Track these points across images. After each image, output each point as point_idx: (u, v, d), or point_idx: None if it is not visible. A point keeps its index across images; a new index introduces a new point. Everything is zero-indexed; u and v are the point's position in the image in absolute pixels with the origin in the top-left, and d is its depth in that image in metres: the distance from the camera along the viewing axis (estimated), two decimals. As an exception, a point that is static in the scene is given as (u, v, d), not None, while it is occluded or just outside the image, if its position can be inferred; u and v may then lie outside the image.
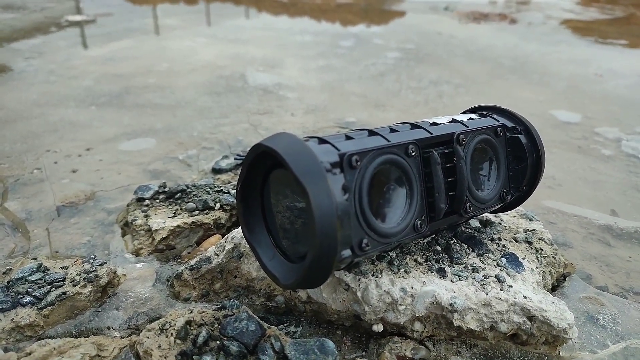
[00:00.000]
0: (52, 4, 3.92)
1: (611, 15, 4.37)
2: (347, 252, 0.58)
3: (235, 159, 1.25)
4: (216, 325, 0.65)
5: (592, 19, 4.17)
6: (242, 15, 3.96)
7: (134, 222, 0.94)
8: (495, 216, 0.92)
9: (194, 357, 0.60)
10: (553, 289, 0.85)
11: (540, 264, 0.82)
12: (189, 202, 0.98)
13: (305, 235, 0.62)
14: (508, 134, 0.81)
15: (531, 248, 0.85)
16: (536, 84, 2.23)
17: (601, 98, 2.03)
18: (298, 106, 1.81)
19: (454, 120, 0.77)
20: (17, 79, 2.07)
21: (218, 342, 0.62)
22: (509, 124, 0.82)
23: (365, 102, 1.89)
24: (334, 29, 3.46)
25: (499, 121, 0.81)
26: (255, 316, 0.67)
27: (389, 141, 0.64)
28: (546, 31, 3.58)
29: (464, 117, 0.80)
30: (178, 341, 0.62)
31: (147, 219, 0.94)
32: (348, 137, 0.64)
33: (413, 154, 0.66)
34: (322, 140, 0.61)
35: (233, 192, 1.02)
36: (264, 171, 0.65)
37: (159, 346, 0.62)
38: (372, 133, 0.66)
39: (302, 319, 0.74)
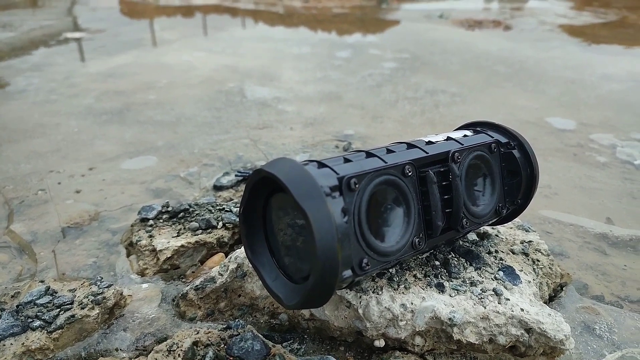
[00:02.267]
0: (51, 22, 3.96)
1: (604, 19, 4.42)
2: (348, 273, 0.60)
3: (236, 175, 1.28)
4: (222, 346, 0.67)
5: (586, 23, 4.21)
6: (239, 26, 4.00)
7: (138, 243, 0.96)
8: (492, 228, 0.94)
9: (201, 377, 0.62)
10: (550, 300, 0.87)
11: (537, 276, 0.84)
12: (192, 221, 1.00)
13: (307, 257, 0.64)
14: (502, 150, 0.83)
15: (528, 260, 0.87)
16: (531, 91, 2.25)
17: (596, 104, 2.06)
18: (297, 120, 1.83)
19: (448, 138, 0.79)
20: (18, 99, 2.09)
21: (224, 362, 0.64)
22: (503, 140, 0.84)
23: (363, 113, 1.92)
24: (331, 39, 3.49)
25: (492, 137, 0.83)
26: (260, 335, 0.69)
27: (385, 162, 0.67)
28: (540, 37, 3.62)
29: (458, 135, 0.82)
30: (185, 362, 0.64)
31: (151, 239, 0.96)
32: (346, 160, 0.66)
33: (409, 173, 0.68)
34: (321, 164, 0.63)
35: (235, 210, 1.04)
36: (265, 194, 0.67)
37: (167, 367, 0.64)
38: (369, 155, 0.68)
39: (305, 336, 0.75)
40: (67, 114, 1.89)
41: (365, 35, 3.65)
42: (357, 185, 0.61)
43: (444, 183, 0.73)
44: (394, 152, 0.71)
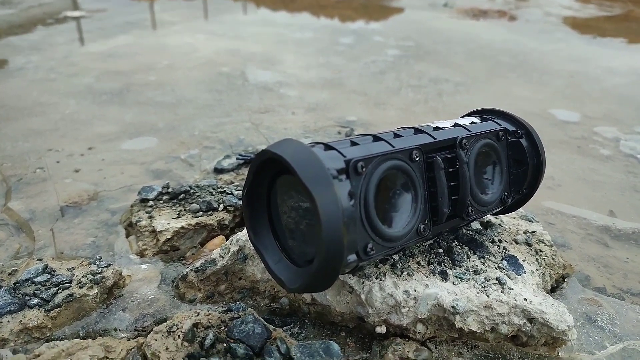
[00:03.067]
0: (50, 0, 3.90)
1: (610, 12, 4.38)
2: (352, 257, 0.59)
3: (237, 158, 1.26)
4: (223, 328, 0.66)
5: (591, 16, 4.17)
6: (241, 10, 3.95)
7: (138, 223, 0.95)
8: (496, 218, 0.93)
9: (201, 359, 0.61)
10: (552, 290, 0.87)
11: (540, 266, 0.83)
12: (192, 203, 0.99)
13: (312, 240, 0.63)
14: (509, 138, 0.82)
15: (531, 250, 0.86)
16: (535, 82, 2.24)
17: (600, 97, 2.04)
18: (299, 104, 1.81)
19: (456, 125, 0.78)
20: (16, 76, 2.06)
21: (225, 345, 0.63)
22: (511, 128, 0.83)
23: (365, 100, 1.90)
24: (333, 25, 3.45)
25: (500, 125, 0.82)
26: (261, 319, 0.68)
27: (393, 147, 0.65)
28: (545, 28, 3.58)
29: (466, 121, 0.81)
30: (185, 343, 0.63)
31: (151, 220, 0.95)
32: (353, 143, 0.64)
33: (417, 159, 0.67)
34: (327, 147, 0.62)
35: (236, 193, 1.03)
36: (270, 176, 0.66)
37: (167, 348, 0.63)
38: (376, 138, 0.67)
39: (306, 321, 0.75)
40: (67, 93, 1.86)
41: (368, 22, 3.61)
42: (364, 169, 0.60)
43: (451, 169, 0.71)
44: (401, 136, 0.70)
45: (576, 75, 2.35)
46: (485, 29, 3.52)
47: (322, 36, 3.05)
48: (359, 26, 3.43)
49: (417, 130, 0.73)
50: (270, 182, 0.66)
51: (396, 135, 0.70)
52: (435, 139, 0.71)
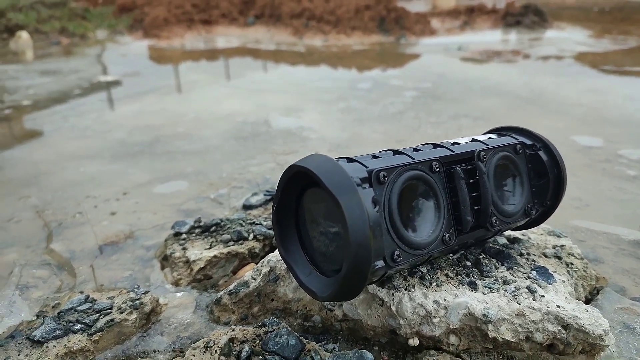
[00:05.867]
0: (84, 67, 4.17)
1: (625, 46, 4.42)
2: (380, 263, 0.61)
3: (264, 194, 1.30)
4: (258, 342, 0.68)
5: (607, 50, 4.22)
6: (261, 69, 4.13)
7: (172, 255, 0.98)
8: (523, 235, 0.94)
9: (238, 372, 0.63)
10: (587, 302, 0.85)
11: (572, 277, 0.83)
12: (223, 234, 1.03)
13: (340, 250, 0.65)
14: (527, 151, 0.84)
15: (561, 262, 0.86)
16: (555, 112, 2.26)
17: (622, 122, 2.04)
18: (321, 145, 1.87)
19: (474, 140, 0.81)
20: (54, 136, 2.19)
21: (260, 357, 0.65)
22: (528, 142, 0.85)
23: (386, 138, 1.95)
24: (351, 74, 3.58)
25: (517, 139, 0.85)
26: (294, 332, 0.69)
27: (413, 159, 0.69)
28: (561, 64, 3.64)
29: (483, 137, 0.84)
30: (222, 357, 0.65)
31: (184, 251, 0.98)
32: (374, 157, 0.68)
33: (437, 170, 0.70)
34: (350, 160, 0.66)
35: (265, 223, 1.06)
36: (297, 193, 0.70)
37: (204, 363, 0.65)
38: (396, 152, 0.70)
39: (339, 337, 0.76)
40: (101, 148, 1.96)
41: (385, 70, 3.73)
42: (386, 178, 0.63)
43: (471, 181, 0.74)
44: (421, 150, 0.73)
45: (596, 104, 2.36)
46: (500, 69, 3.59)
47: (340, 84, 3.15)
48: (376, 73, 3.54)
49: (436, 145, 0.76)
50: (297, 198, 0.70)
51: (415, 150, 0.73)
52: (453, 152, 0.74)
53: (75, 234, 1.21)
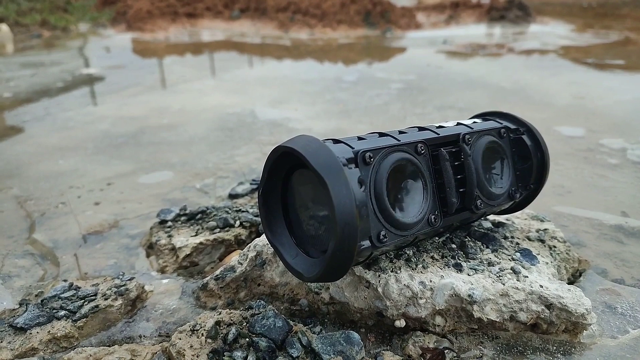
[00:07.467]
0: (66, 60, 4.10)
1: (607, 40, 4.48)
2: (366, 243, 0.61)
3: (250, 183, 1.30)
4: (244, 324, 0.67)
5: (589, 44, 4.27)
6: (246, 65, 4.10)
7: (158, 242, 0.98)
8: (507, 219, 0.95)
9: (225, 354, 0.63)
10: (569, 284, 0.87)
11: (555, 259, 0.84)
12: (209, 221, 1.02)
13: (327, 230, 0.65)
14: (511, 135, 0.85)
15: (544, 245, 0.87)
16: (538, 104, 2.28)
17: (603, 113, 2.07)
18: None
19: (459, 124, 0.82)
20: (36, 128, 2.16)
21: (247, 339, 0.65)
22: (512, 126, 0.86)
23: (372, 128, 1.95)
24: (337, 67, 3.57)
25: (501, 124, 0.85)
26: (281, 315, 0.69)
27: (399, 141, 0.69)
28: (544, 58, 3.67)
29: (468, 122, 0.84)
30: (209, 340, 0.65)
31: (170, 239, 0.98)
32: (360, 138, 0.68)
33: (422, 152, 0.70)
34: (337, 141, 0.66)
35: (252, 210, 1.06)
36: (283, 175, 0.69)
37: (191, 346, 0.64)
38: (382, 134, 0.71)
39: (325, 320, 0.76)
40: (84, 138, 1.94)
41: (371, 63, 3.73)
42: (372, 159, 0.63)
43: (457, 163, 0.74)
44: (406, 133, 0.73)
45: (578, 96, 2.40)
46: (485, 61, 3.61)
47: (327, 76, 3.15)
48: (362, 66, 3.55)
49: (421, 128, 0.76)
50: (284, 180, 0.70)
51: (401, 132, 0.73)
52: (438, 134, 0.75)
53: (59, 224, 1.19)
